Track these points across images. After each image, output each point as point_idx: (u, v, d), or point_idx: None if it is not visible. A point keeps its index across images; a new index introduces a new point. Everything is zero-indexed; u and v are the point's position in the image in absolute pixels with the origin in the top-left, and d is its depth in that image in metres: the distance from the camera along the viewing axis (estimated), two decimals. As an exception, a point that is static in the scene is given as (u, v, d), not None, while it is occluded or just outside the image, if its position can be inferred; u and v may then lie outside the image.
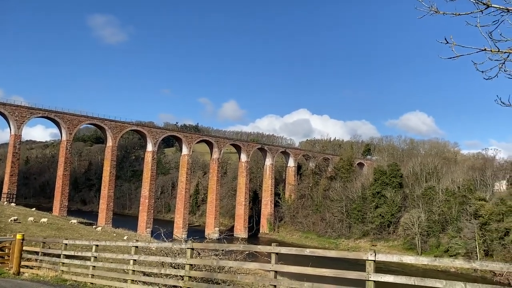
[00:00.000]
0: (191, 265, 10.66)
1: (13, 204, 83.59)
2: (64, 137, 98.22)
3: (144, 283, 11.69)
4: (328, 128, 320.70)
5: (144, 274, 12.11)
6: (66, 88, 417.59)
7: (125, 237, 65.33)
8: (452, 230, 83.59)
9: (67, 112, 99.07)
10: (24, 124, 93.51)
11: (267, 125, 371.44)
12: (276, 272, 9.18)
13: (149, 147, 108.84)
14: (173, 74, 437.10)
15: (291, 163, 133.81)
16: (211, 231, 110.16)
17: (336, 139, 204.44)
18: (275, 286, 9.05)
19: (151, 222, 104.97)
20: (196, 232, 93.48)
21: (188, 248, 10.65)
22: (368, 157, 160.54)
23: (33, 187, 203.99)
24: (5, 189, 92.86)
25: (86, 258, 14.02)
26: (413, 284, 7.91)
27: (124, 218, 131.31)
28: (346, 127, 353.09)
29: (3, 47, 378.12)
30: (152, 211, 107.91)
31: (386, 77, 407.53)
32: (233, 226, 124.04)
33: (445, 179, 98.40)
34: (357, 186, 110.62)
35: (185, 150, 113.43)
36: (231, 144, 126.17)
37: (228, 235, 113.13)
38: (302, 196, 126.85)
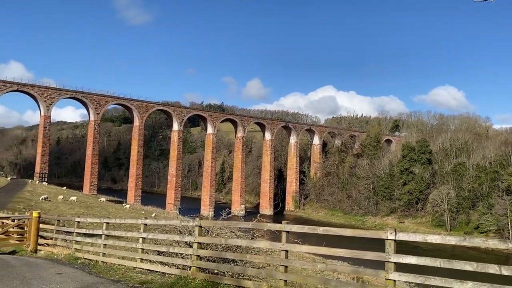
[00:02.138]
0: (199, 243, 10.14)
1: (45, 183, 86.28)
2: (92, 118, 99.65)
3: (153, 262, 11.31)
4: (354, 104, 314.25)
5: (153, 252, 11.75)
6: (94, 70, 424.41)
7: (153, 214, 66.58)
8: (483, 206, 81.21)
9: (94, 92, 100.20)
10: (53, 105, 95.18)
11: (291, 103, 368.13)
12: (287, 251, 8.52)
13: (175, 126, 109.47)
14: (197, 54, 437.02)
15: (316, 140, 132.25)
16: (237, 208, 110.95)
17: (363, 115, 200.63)
18: (286, 266, 8.41)
19: (178, 200, 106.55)
20: (222, 209, 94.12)
21: (196, 226, 10.12)
22: (396, 133, 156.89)
23: (65, 167, 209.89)
24: (37, 169, 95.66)
25: (99, 236, 13.77)
26: (439, 266, 7.10)
27: (153, 196, 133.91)
28: (373, 103, 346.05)
29: (32, 30, 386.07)
30: (179, 189, 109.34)
31: (414, 50, 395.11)
32: (258, 204, 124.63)
33: (476, 154, 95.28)
34: (384, 163, 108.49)
35: (210, 129, 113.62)
36: (255, 123, 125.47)
37: (253, 212, 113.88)
38: (328, 173, 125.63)
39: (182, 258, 10.73)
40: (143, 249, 11.62)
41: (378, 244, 8.37)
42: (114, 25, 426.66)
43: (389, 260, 7.55)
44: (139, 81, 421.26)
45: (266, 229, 9.78)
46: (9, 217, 18.91)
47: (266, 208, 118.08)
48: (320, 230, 8.06)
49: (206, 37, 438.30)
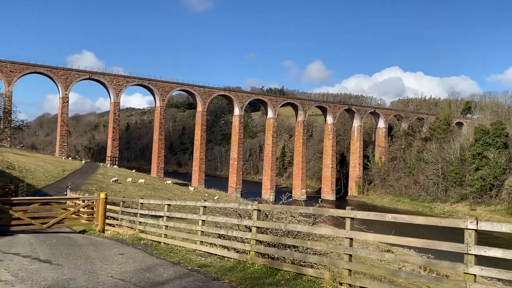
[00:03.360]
0: (258, 227, 9.81)
1: (115, 166, 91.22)
2: (158, 104, 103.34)
3: (212, 244, 11.21)
4: (422, 86, 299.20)
5: (212, 235, 11.63)
6: (159, 57, 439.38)
7: (216, 197, 68.07)
8: None
9: (160, 79, 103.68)
10: (121, 92, 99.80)
11: (354, 85, 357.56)
12: (351, 239, 7.92)
13: (236, 111, 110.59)
14: (257, 39, 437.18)
15: (381, 124, 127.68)
16: (298, 193, 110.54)
17: (432, 97, 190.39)
18: (350, 255, 7.83)
19: (240, 183, 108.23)
20: (283, 193, 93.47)
21: (254, 210, 9.78)
22: (468, 115, 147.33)
23: (134, 151, 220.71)
24: (108, 153, 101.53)
25: (161, 218, 13.97)
26: (530, 261, 6.18)
27: (216, 179, 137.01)
28: (443, 84, 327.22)
29: (102, 20, 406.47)
30: (241, 172, 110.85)
31: (487, 25, 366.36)
32: (320, 188, 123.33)
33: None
34: (455, 147, 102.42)
35: (270, 114, 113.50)
36: (316, 106, 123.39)
37: (315, 197, 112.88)
38: (394, 158, 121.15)
39: (241, 242, 10.51)
40: (203, 231, 11.55)
41: (451, 234, 7.56)
42: (178, 13, 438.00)
43: (469, 252, 6.71)
44: (202, 68, 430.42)
45: (328, 215, 9.23)
46: (79, 198, 19.98)
47: (328, 193, 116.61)
48: (389, 217, 7.36)
49: (266, 21, 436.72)
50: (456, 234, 7.27)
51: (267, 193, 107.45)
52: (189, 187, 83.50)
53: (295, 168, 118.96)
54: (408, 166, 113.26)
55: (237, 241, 10.52)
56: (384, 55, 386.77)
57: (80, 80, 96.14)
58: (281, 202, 13.82)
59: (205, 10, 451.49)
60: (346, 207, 7.95)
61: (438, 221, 7.05)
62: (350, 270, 7.80)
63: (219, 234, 11.20)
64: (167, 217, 13.27)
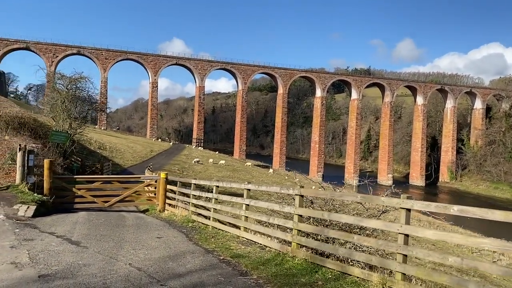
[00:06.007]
0: (300, 216, 8.54)
1: (200, 148, 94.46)
2: (240, 87, 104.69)
3: (256, 232, 10.17)
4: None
5: (256, 222, 10.59)
6: (243, 42, 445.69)
7: (296, 180, 67.24)
8: None
9: (242, 63, 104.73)
10: (206, 77, 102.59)
11: (448, 64, 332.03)
12: (407, 235, 6.38)
13: (318, 92, 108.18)
14: (342, 18, 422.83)
15: (478, 104, 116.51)
16: (384, 178, 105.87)
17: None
18: (405, 255, 6.32)
19: (322, 167, 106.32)
20: (369, 178, 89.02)
21: (296, 195, 8.50)
22: None
23: (219, 133, 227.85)
24: (194, 135, 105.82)
25: (209, 200, 13.31)
26: None
27: (298, 162, 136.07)
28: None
29: (191, 8, 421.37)
30: (322, 156, 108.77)
31: None
32: (408, 174, 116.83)
33: None
34: None
35: (354, 95, 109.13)
36: (405, 86, 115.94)
37: (402, 182, 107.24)
38: (492, 142, 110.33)
39: (282, 231, 9.34)
40: (246, 216, 10.57)
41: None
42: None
43: None
44: (285, 51, 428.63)
45: (378, 203, 7.71)
46: (140, 177, 20.23)
47: (417, 179, 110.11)
48: (454, 209, 5.69)
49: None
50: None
51: (350, 177, 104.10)
52: (269, 169, 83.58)
53: (381, 152, 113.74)
54: (509, 151, 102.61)
55: (279, 230, 9.39)
56: (483, 30, 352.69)
57: (167, 66, 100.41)
58: (343, 186, 12.41)
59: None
60: (401, 196, 6.40)
61: (522, 218, 5.27)
62: (404, 274, 6.29)
63: (260, 220, 10.15)
64: (215, 199, 12.56)
